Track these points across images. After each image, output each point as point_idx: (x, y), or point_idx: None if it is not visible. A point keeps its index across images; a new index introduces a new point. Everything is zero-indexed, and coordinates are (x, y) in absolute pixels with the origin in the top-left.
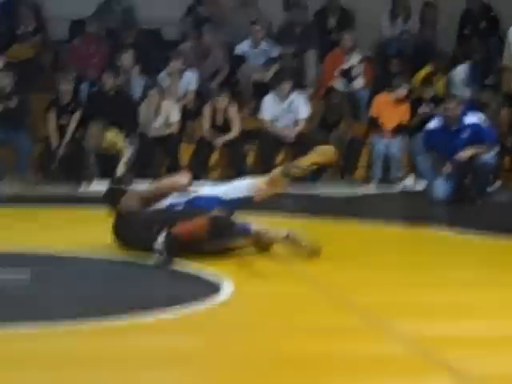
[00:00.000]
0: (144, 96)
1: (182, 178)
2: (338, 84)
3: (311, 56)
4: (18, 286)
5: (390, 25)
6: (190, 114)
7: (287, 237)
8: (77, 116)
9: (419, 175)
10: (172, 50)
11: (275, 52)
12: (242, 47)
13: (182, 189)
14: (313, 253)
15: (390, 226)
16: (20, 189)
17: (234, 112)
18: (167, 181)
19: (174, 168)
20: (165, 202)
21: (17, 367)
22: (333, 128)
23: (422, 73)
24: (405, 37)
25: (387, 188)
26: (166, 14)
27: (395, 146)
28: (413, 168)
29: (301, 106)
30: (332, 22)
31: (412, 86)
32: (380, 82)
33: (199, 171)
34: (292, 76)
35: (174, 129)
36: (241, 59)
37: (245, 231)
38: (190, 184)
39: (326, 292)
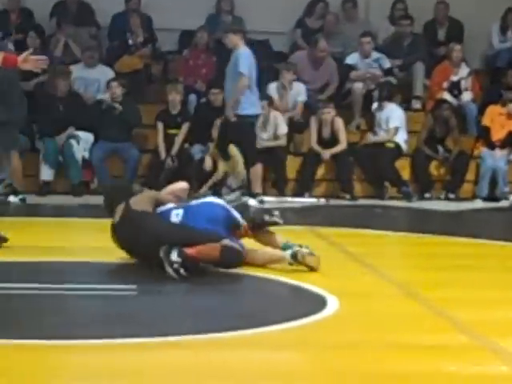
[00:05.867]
0: None
1: (181, 184)
2: (447, 97)
3: (419, 68)
4: (126, 298)
5: (500, 36)
6: (297, 126)
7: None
8: (185, 127)
9: None
10: (280, 61)
11: (387, 63)
12: (352, 59)
13: (182, 193)
14: (312, 268)
15: (494, 242)
16: None
17: (340, 124)
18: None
19: (280, 180)
20: (165, 207)
21: (128, 379)
22: (441, 141)
23: None
24: None
25: (494, 203)
26: (274, 26)
27: (502, 159)
28: None
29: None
30: (441, 34)
31: None
32: (489, 95)
33: (306, 184)
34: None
35: (282, 141)
36: (350, 69)
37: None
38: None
39: (431, 309)
